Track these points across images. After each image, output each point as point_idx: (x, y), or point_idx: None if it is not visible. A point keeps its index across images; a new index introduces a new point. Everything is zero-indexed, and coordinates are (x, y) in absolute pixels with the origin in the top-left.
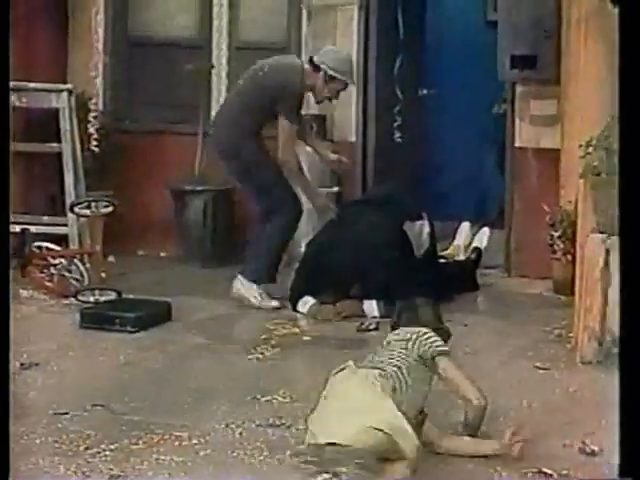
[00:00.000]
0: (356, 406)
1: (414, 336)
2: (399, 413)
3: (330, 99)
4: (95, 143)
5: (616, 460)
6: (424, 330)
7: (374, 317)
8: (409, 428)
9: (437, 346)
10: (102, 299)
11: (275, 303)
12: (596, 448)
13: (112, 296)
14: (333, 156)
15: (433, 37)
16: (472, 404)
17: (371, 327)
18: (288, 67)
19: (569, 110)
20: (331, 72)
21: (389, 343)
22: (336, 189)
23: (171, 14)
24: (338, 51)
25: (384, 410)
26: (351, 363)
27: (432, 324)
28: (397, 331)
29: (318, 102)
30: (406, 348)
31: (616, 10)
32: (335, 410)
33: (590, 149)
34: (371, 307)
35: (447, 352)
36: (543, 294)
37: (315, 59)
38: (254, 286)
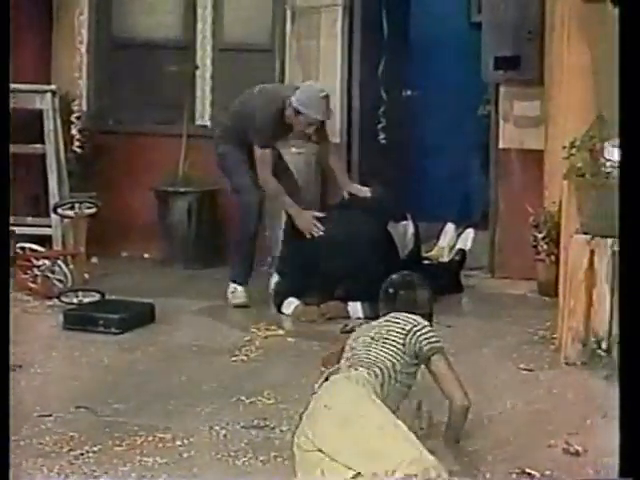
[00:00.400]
0: (374, 447)
1: (414, 329)
2: (419, 447)
3: (309, 137)
4: (78, 144)
5: (600, 460)
6: (423, 323)
7: (358, 318)
8: (430, 456)
9: (435, 341)
10: (85, 300)
11: (237, 300)
12: (580, 448)
13: (95, 297)
14: (355, 187)
15: (417, 38)
16: (456, 404)
17: (355, 328)
18: (268, 95)
19: (553, 111)
20: (295, 105)
21: (388, 331)
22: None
23: (155, 15)
24: (311, 86)
25: (406, 452)
26: (343, 363)
27: (427, 307)
28: (395, 316)
29: (297, 137)
30: (404, 344)
31: (616, 10)
32: (347, 436)
33: (574, 150)
34: (355, 308)
35: (442, 348)
36: (527, 295)
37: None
38: (230, 284)
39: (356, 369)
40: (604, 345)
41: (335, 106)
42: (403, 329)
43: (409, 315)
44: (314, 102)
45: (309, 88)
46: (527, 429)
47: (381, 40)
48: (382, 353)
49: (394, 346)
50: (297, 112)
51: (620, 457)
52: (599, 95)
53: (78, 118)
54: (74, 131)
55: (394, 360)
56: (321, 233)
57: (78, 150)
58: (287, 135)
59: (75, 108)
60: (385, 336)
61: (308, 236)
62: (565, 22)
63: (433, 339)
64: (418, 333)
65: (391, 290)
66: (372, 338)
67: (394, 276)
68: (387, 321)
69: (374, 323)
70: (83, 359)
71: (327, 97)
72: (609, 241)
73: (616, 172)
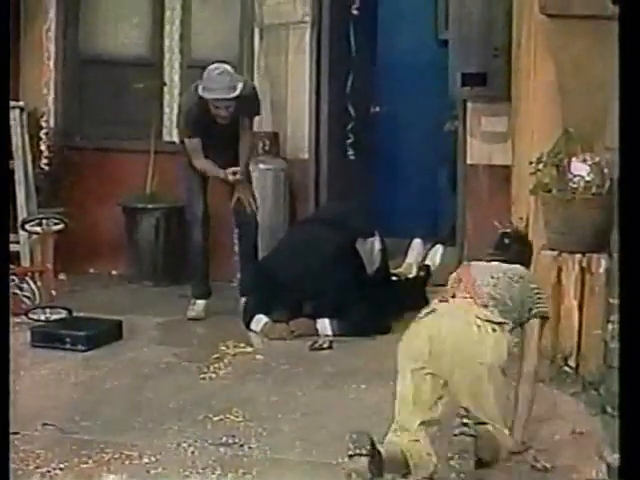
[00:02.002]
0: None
1: (536, 288)
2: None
3: (224, 117)
4: (46, 161)
5: (568, 476)
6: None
7: (327, 335)
8: None
9: (545, 306)
10: (53, 317)
11: (191, 314)
12: (548, 465)
13: (63, 314)
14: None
15: (385, 55)
16: (527, 369)
17: (324, 345)
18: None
19: (520, 127)
20: (200, 91)
21: (511, 280)
22: None
23: (123, 32)
24: (209, 67)
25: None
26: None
27: (529, 265)
28: (516, 268)
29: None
30: (522, 299)
31: (616, 9)
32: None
33: (540, 165)
34: (324, 325)
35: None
36: None
37: None
38: (191, 299)
39: (485, 305)
40: (571, 362)
41: (304, 122)
42: (528, 282)
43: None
44: (212, 82)
45: (207, 70)
46: None
47: (349, 56)
48: (508, 295)
49: (516, 294)
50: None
51: (620, 457)
52: (565, 111)
53: (46, 134)
54: (42, 147)
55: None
56: (238, 177)
57: (47, 167)
58: (217, 125)
59: (43, 124)
60: (510, 283)
61: (230, 178)
62: (531, 38)
63: (545, 304)
64: (537, 292)
65: (507, 241)
66: (496, 278)
67: (509, 230)
68: (509, 270)
69: (493, 264)
70: (50, 376)
71: (225, 72)
72: (576, 257)
73: (582, 187)
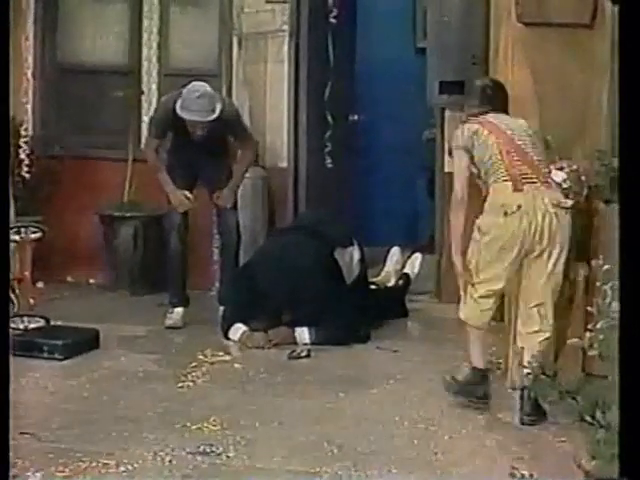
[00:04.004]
0: None
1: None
2: None
3: (199, 136)
4: (26, 169)
5: None
6: None
7: (305, 344)
8: None
9: None
10: (31, 326)
11: (168, 322)
12: (526, 473)
13: (41, 323)
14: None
15: (363, 63)
16: None
17: (303, 354)
18: (173, 93)
19: None
20: (177, 110)
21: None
22: None
23: (101, 41)
24: (189, 88)
25: None
26: None
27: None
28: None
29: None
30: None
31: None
32: None
33: None
34: (303, 334)
35: None
36: None
37: None
38: (169, 308)
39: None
40: (548, 370)
41: (282, 130)
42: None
43: None
44: (190, 103)
45: (187, 90)
46: (474, 454)
47: (327, 65)
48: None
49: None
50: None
51: (620, 457)
52: (543, 118)
53: (26, 142)
54: (22, 155)
55: None
56: (191, 206)
57: (27, 175)
58: (186, 131)
59: (23, 132)
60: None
61: (180, 210)
62: (509, 47)
63: None
64: None
65: (490, 91)
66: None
67: (487, 81)
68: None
69: (508, 119)
70: (28, 385)
71: (203, 95)
72: None
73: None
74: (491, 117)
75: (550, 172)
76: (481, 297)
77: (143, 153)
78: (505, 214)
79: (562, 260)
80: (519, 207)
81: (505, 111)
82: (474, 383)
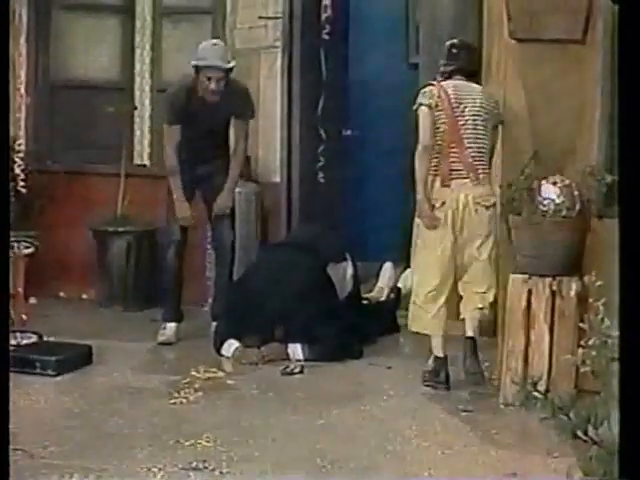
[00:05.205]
0: None
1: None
2: None
3: (214, 92)
4: (22, 184)
5: None
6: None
7: (298, 360)
8: None
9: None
10: (23, 342)
11: (161, 338)
12: None
13: (33, 339)
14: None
15: (356, 79)
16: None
17: (296, 370)
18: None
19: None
20: (193, 62)
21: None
22: None
23: (93, 57)
24: (204, 42)
25: None
26: None
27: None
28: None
29: (208, 100)
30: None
31: (616, 7)
32: None
33: (511, 188)
34: (296, 350)
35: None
36: None
37: None
38: (162, 322)
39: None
40: (540, 386)
41: (275, 145)
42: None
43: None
44: (207, 51)
45: (202, 45)
46: (467, 470)
47: (320, 80)
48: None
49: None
50: (196, 70)
51: (620, 457)
52: (535, 134)
53: (21, 158)
54: (17, 170)
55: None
56: (192, 223)
57: (23, 190)
58: (202, 110)
59: (17, 147)
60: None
61: (181, 223)
62: (501, 62)
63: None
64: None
65: (455, 50)
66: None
67: (455, 40)
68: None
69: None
70: (20, 401)
71: (219, 45)
72: (547, 280)
73: (552, 210)
74: (451, 86)
75: (541, 188)
76: (425, 303)
77: (165, 154)
78: (433, 207)
79: (487, 249)
80: (443, 203)
81: (473, 71)
82: (437, 370)
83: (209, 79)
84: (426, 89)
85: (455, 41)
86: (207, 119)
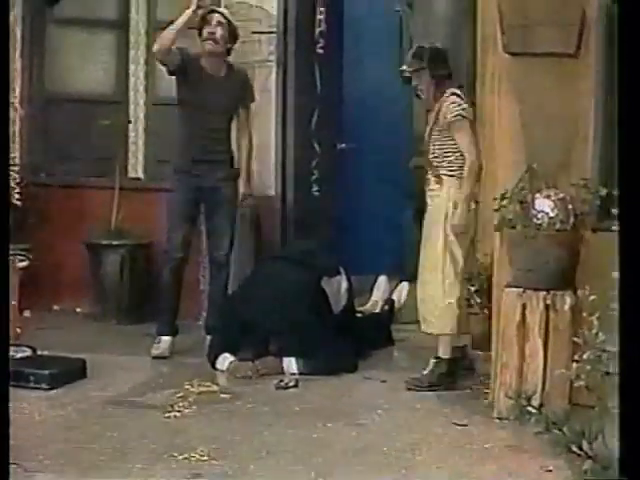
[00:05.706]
0: None
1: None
2: None
3: (215, 40)
4: (17, 196)
5: None
6: None
7: (293, 374)
8: None
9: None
10: (17, 356)
11: (155, 352)
12: None
13: (27, 353)
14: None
15: (350, 92)
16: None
17: (290, 384)
18: None
19: (484, 163)
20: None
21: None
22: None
23: (88, 70)
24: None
25: None
26: None
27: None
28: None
29: (206, 39)
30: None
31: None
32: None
33: (505, 202)
34: (290, 364)
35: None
36: None
37: None
38: (156, 336)
39: None
40: (534, 401)
41: (270, 158)
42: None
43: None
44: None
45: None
46: None
47: (314, 94)
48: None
49: None
50: (194, 10)
51: (620, 457)
52: (529, 147)
53: (17, 171)
54: (12, 183)
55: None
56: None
57: (18, 203)
58: (205, 85)
59: (12, 161)
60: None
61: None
62: (495, 75)
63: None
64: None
65: (420, 51)
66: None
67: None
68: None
69: None
70: (14, 415)
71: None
72: (541, 294)
73: (546, 223)
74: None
75: (535, 201)
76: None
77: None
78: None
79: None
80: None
81: (448, 75)
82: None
83: (211, 25)
84: (462, 102)
85: (425, 45)
86: (209, 94)
